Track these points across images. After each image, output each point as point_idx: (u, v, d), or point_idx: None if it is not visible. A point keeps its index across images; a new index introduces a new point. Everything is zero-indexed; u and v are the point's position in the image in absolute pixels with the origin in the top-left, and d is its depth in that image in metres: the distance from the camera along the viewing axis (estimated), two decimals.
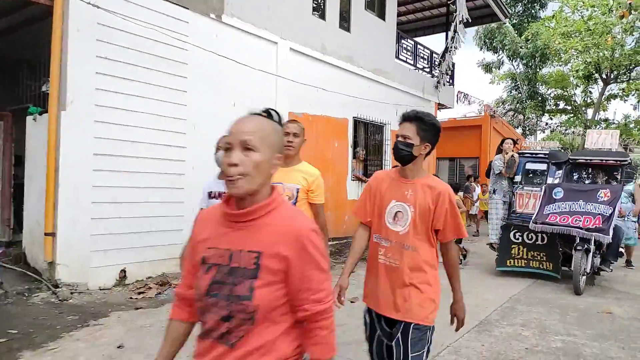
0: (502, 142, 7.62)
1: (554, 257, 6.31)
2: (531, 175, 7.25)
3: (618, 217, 6.13)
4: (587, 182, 6.77)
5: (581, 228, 5.73)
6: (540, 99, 25.46)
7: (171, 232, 5.95)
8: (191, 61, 6.36)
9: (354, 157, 10.08)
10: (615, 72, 22.89)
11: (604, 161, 6.62)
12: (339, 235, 9.01)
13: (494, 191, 7.49)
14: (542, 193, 6.47)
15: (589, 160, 6.74)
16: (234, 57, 6.94)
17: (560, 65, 24.75)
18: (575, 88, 25.34)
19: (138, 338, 3.74)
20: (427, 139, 2.17)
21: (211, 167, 3.34)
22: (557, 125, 26.89)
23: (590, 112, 23.80)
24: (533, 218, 6.17)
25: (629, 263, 7.90)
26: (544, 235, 6.30)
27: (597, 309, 5.06)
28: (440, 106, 13.76)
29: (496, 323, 4.45)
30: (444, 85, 13.62)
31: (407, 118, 2.19)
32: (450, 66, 13.94)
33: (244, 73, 7.18)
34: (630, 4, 12.60)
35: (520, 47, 23.68)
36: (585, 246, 5.70)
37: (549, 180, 6.81)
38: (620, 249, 6.91)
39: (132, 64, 5.64)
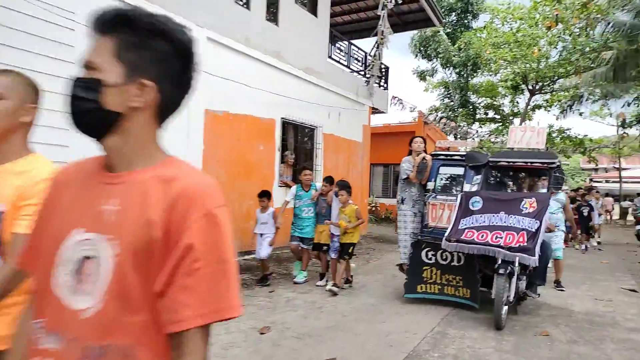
0: (411, 141, 6.16)
1: (471, 281, 5.23)
2: (446, 181, 6.06)
3: (546, 231, 5.03)
4: (509, 189, 5.64)
5: (502, 247, 4.60)
6: (471, 107, 26.15)
7: None
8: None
9: (282, 161, 9.34)
10: (540, 84, 23.90)
11: (529, 164, 5.42)
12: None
13: (402, 200, 6.01)
14: (458, 203, 5.28)
15: (511, 163, 5.51)
16: None
17: (490, 75, 25.60)
18: (504, 98, 26.33)
19: None
20: (144, 68, 0.95)
21: None
22: (486, 134, 27.71)
23: (517, 121, 24.65)
24: (446, 235, 4.99)
25: (558, 284, 6.80)
26: (461, 254, 5.20)
27: (533, 331, 4.65)
28: (375, 110, 13.36)
29: None
30: (378, 86, 13.26)
31: (98, 23, 0.95)
32: (383, 69, 13.62)
33: None
34: (557, 15, 12.86)
35: (454, 56, 24.15)
36: (509, 269, 4.60)
37: (466, 188, 5.61)
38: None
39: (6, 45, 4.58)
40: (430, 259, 5.48)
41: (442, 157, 6.11)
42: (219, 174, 7.70)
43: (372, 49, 12.39)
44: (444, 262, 5.39)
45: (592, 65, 19.44)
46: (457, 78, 25.74)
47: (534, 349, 4.11)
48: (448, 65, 24.98)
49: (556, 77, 23.15)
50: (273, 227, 6.38)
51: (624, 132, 24.59)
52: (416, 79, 27.28)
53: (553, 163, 5.25)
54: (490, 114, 27.09)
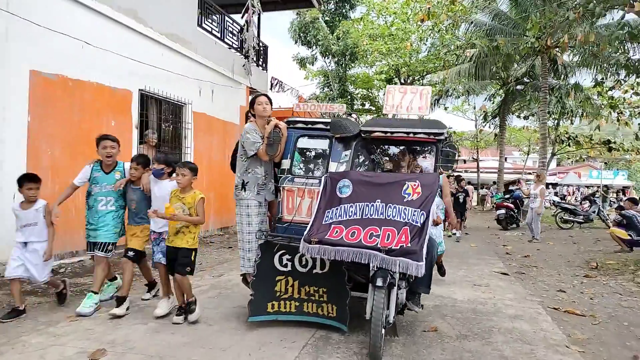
0: (253, 101, 4.39)
1: (339, 295, 3.84)
2: (307, 158, 4.46)
3: (433, 224, 3.79)
4: (387, 169, 4.27)
5: (380, 250, 3.28)
6: (349, 97, 26.51)
7: None
8: None
9: (142, 141, 7.95)
10: (411, 77, 25.10)
11: (412, 135, 4.08)
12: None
13: (244, 185, 4.22)
14: (321, 188, 3.87)
15: (389, 134, 4.13)
16: None
17: (366, 67, 26.30)
18: (379, 90, 27.24)
19: None
20: None
21: None
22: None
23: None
24: (306, 233, 3.56)
25: (439, 267, 6.17)
26: (326, 259, 3.79)
27: (421, 326, 4.20)
28: (252, 90, 12.42)
29: None
30: (257, 66, 12.33)
31: None
32: (262, 47, 12.74)
33: None
34: (428, 8, 13.14)
35: (332, 44, 24.17)
36: (389, 279, 3.32)
37: (332, 167, 4.19)
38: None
39: None
40: (285, 266, 3.98)
41: (300, 125, 4.48)
42: (52, 153, 6.15)
43: (244, 21, 11.44)
44: (303, 270, 3.95)
45: (457, 62, 20.81)
46: (336, 67, 25.88)
47: (425, 349, 3.61)
48: (327, 53, 24.98)
49: (425, 72, 24.45)
50: (45, 230, 4.25)
51: (482, 126, 26.92)
52: (297, 66, 26.80)
53: (441, 134, 4.03)
54: (367, 105, 27.86)
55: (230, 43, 11.55)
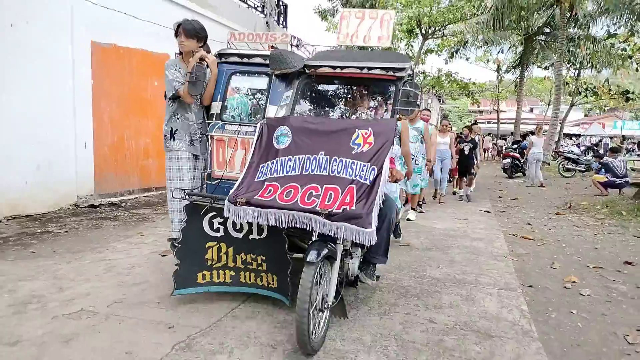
0: (177, 32, 3.60)
1: (280, 263, 3.19)
2: (244, 100, 3.74)
3: (391, 181, 3.19)
4: (336, 111, 3.53)
5: (319, 213, 2.63)
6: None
7: None
8: None
9: None
10: (432, 28, 25.33)
11: (366, 71, 3.29)
12: (163, 185, 8.32)
13: (172, 133, 3.68)
14: (256, 138, 3.16)
15: (339, 70, 3.34)
16: None
17: None
18: (400, 41, 27.55)
19: None
20: None
21: None
22: None
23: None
24: (232, 191, 2.89)
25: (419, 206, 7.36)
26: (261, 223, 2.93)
27: (398, 243, 5.51)
28: (273, 48, 13.42)
29: None
30: (277, 24, 13.28)
31: None
32: (282, 6, 13.61)
33: None
34: None
35: None
36: (327, 249, 2.71)
37: (270, 112, 3.42)
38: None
39: None
40: (216, 230, 3.29)
41: (234, 59, 3.69)
42: (111, 109, 7.53)
43: None
44: (237, 235, 3.27)
45: (476, 12, 21.06)
46: None
47: (397, 256, 4.92)
48: (348, 4, 25.27)
49: (446, 23, 24.63)
50: None
51: (501, 76, 27.14)
52: (318, 19, 27.23)
53: (402, 69, 3.23)
54: None
55: (252, 4, 12.50)
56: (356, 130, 3.00)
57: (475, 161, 9.89)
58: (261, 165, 3.03)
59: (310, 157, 2.96)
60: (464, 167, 9.64)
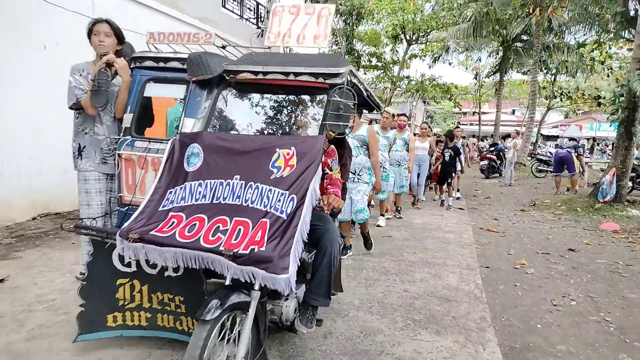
0: (90, 31, 3.25)
1: (199, 306, 2.14)
2: (155, 112, 3.39)
3: (327, 211, 2.72)
4: (259, 126, 2.86)
5: (222, 254, 2.11)
6: (356, 55, 28.02)
7: None
8: None
9: None
10: (416, 35, 26.47)
11: (292, 77, 2.68)
12: None
13: (80, 151, 3.32)
14: (165, 157, 2.66)
15: (261, 77, 2.72)
16: None
17: (373, 25, 27.63)
18: (385, 46, 28.64)
19: None
20: None
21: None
22: (370, 81, 30.05)
23: (396, 69, 27.12)
24: (127, 224, 2.37)
25: (398, 212, 7.91)
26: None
27: (380, 235, 6.44)
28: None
29: None
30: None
31: None
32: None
33: (55, 14, 6.64)
34: None
35: (340, 4, 25.46)
36: (234, 298, 2.17)
37: (187, 126, 2.82)
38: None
39: None
40: (128, 265, 2.74)
41: (149, 64, 3.17)
42: None
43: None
44: (152, 271, 2.71)
45: (458, 21, 22.22)
46: (343, 26, 27.23)
47: (380, 245, 5.86)
48: (335, 13, 26.25)
49: (429, 30, 25.79)
50: None
51: (482, 82, 28.42)
52: None
53: (335, 75, 2.63)
54: (374, 61, 29.34)
55: (247, 17, 13.39)
56: (277, 150, 2.47)
57: (459, 167, 9.76)
58: (168, 192, 2.51)
59: (223, 183, 2.43)
60: (443, 173, 9.42)
